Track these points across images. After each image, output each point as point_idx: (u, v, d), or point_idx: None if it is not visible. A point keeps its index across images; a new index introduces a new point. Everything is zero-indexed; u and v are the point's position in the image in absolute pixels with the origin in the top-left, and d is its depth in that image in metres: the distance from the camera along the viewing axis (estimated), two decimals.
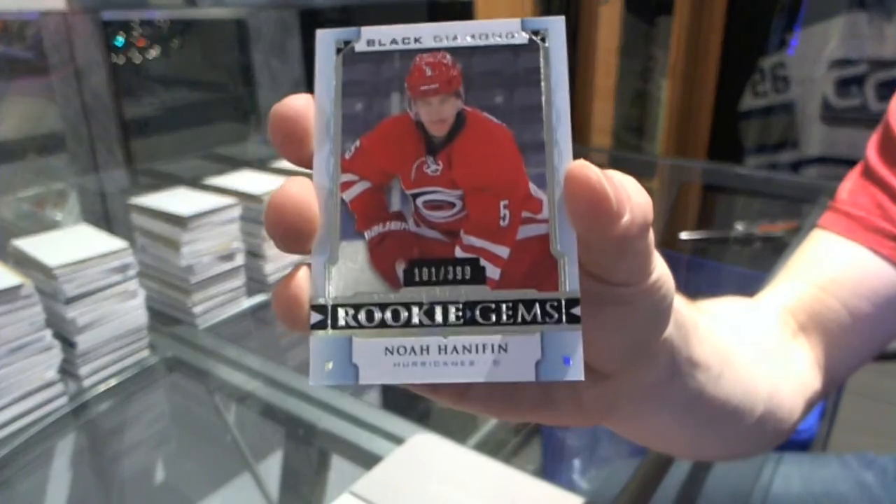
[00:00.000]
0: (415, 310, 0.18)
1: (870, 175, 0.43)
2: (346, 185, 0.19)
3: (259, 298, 0.84)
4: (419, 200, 0.19)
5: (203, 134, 1.23)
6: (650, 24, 2.18)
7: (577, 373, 0.17)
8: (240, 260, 0.81)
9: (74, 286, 0.63)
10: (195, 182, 0.88)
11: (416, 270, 0.18)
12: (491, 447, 0.64)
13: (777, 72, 2.05)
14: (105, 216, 0.98)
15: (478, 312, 0.18)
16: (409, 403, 0.74)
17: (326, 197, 0.19)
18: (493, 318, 0.18)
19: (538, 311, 0.18)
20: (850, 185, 0.44)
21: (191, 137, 1.21)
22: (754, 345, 0.36)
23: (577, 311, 0.18)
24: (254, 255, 0.84)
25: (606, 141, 2.02)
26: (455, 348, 0.18)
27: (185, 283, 0.76)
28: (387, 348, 0.18)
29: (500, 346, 0.18)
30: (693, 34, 2.09)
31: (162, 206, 0.76)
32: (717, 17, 2.09)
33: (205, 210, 0.76)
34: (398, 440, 0.56)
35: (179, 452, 0.81)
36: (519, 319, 0.18)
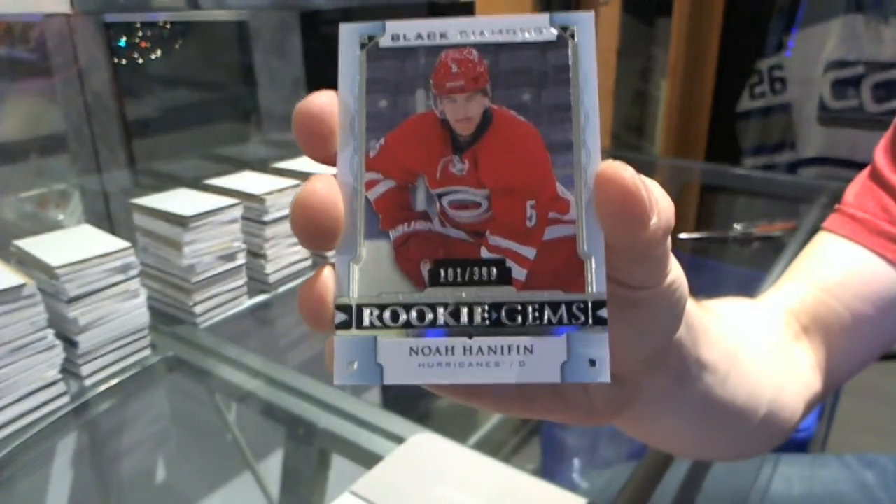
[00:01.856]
0: (440, 311, 0.18)
1: (876, 178, 0.43)
2: (370, 184, 0.19)
3: (260, 298, 0.84)
4: (445, 200, 0.19)
5: (204, 134, 1.23)
6: (650, 25, 2.18)
7: (603, 375, 0.17)
8: (241, 260, 0.81)
9: (76, 286, 0.63)
10: (196, 182, 0.88)
11: (442, 271, 0.18)
12: (491, 447, 0.64)
13: (774, 73, 2.05)
14: (107, 216, 0.98)
15: (504, 314, 0.18)
16: (409, 403, 0.74)
17: (351, 195, 0.18)
18: (519, 319, 0.18)
19: (564, 313, 0.18)
20: (856, 188, 0.44)
21: (192, 138, 1.21)
22: (759, 346, 0.36)
23: (603, 313, 0.18)
24: (255, 254, 0.84)
25: (606, 141, 2.02)
26: (480, 349, 0.18)
27: (187, 283, 0.76)
28: (412, 349, 0.18)
29: (525, 348, 0.18)
30: (692, 35, 2.10)
31: (164, 207, 0.77)
32: (716, 18, 2.09)
33: (206, 210, 0.76)
34: (398, 440, 0.56)
35: (179, 452, 0.82)
36: (545, 321, 0.18)
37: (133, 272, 0.68)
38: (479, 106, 0.19)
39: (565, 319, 0.18)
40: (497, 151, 0.18)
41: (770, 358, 0.36)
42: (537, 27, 0.19)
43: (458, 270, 0.18)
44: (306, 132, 0.18)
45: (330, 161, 0.19)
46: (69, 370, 0.65)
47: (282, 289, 0.86)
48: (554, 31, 0.19)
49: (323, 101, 0.18)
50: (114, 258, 0.66)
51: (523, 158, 0.18)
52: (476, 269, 0.18)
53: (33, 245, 0.67)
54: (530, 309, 0.18)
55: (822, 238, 0.43)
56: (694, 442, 0.36)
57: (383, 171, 0.19)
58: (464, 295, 0.18)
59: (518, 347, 0.18)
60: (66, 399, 0.63)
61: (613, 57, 1.95)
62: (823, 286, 0.40)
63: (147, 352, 0.71)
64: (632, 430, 0.32)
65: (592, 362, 0.17)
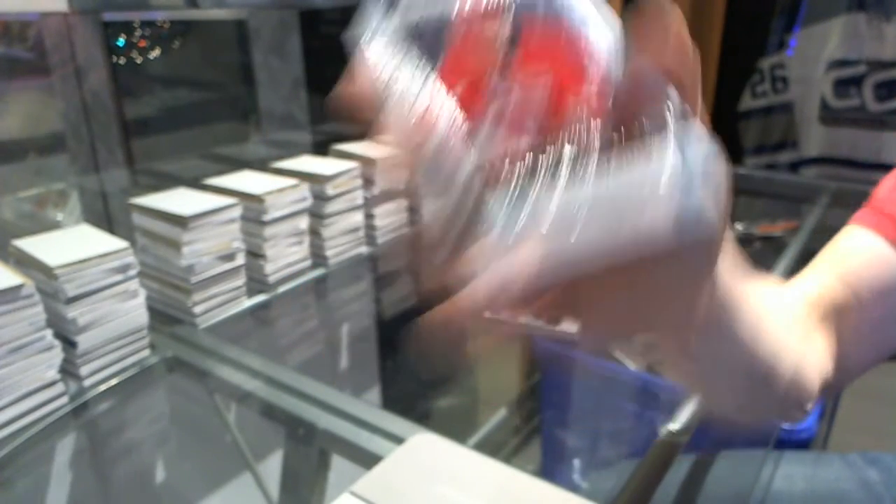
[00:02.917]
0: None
1: None
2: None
3: (259, 298, 0.84)
4: (506, 102, 0.20)
5: (203, 134, 1.23)
6: None
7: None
8: (240, 260, 0.81)
9: (75, 286, 0.63)
10: (196, 182, 0.88)
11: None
12: (491, 447, 0.64)
13: (776, 72, 2.05)
14: (106, 216, 0.98)
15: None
16: (409, 403, 0.74)
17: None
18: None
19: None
20: (890, 183, 0.44)
21: (191, 137, 1.21)
22: (780, 317, 0.37)
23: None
24: (254, 255, 0.84)
25: None
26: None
27: (186, 283, 0.76)
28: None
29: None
30: (693, 33, 2.08)
31: (163, 206, 0.76)
32: (717, 17, 2.09)
33: (205, 210, 0.76)
34: (398, 440, 0.56)
35: (179, 452, 0.82)
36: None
37: (132, 272, 0.67)
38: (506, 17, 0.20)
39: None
40: (538, 49, 0.20)
41: (792, 327, 0.37)
42: None
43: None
44: (352, 108, 0.20)
45: (378, 129, 0.20)
46: (68, 370, 0.65)
47: (281, 289, 0.86)
48: None
49: (361, 82, 0.20)
50: (113, 258, 0.65)
51: (562, 49, 0.20)
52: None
53: (32, 245, 0.67)
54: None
55: (849, 231, 0.44)
56: (725, 393, 0.37)
57: (448, 85, 0.20)
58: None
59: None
60: (65, 399, 0.63)
61: None
62: (843, 278, 0.41)
63: (146, 352, 0.71)
64: (673, 367, 0.33)
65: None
